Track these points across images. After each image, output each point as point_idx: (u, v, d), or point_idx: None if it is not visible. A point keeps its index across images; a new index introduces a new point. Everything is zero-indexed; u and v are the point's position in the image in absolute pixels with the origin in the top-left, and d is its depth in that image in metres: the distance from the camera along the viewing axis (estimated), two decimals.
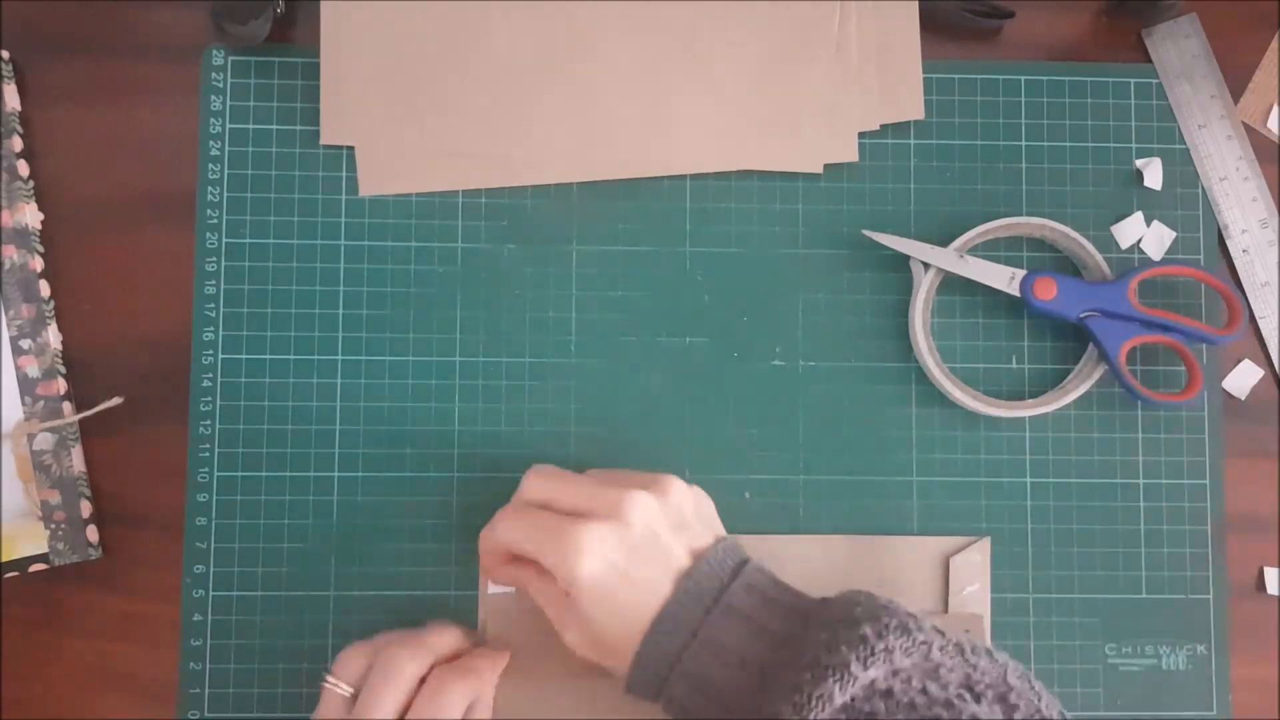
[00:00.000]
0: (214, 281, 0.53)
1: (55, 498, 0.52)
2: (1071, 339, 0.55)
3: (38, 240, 0.53)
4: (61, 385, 0.52)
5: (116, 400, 0.53)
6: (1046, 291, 0.52)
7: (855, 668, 0.40)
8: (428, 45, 0.54)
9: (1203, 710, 0.54)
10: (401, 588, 0.53)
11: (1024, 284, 0.53)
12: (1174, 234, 0.55)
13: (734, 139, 0.54)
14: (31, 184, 0.53)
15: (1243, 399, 0.55)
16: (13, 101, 0.53)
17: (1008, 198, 0.55)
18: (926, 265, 0.54)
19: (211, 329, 0.53)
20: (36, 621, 0.52)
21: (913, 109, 0.55)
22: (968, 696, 0.41)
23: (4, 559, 0.51)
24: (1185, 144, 0.56)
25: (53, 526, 0.52)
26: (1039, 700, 0.42)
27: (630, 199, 0.55)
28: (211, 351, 0.53)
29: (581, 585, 0.44)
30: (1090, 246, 0.54)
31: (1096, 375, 0.54)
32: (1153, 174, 0.55)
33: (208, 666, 0.52)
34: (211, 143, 0.54)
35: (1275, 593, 0.55)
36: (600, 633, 0.45)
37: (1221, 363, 0.55)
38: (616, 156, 0.54)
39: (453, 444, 0.53)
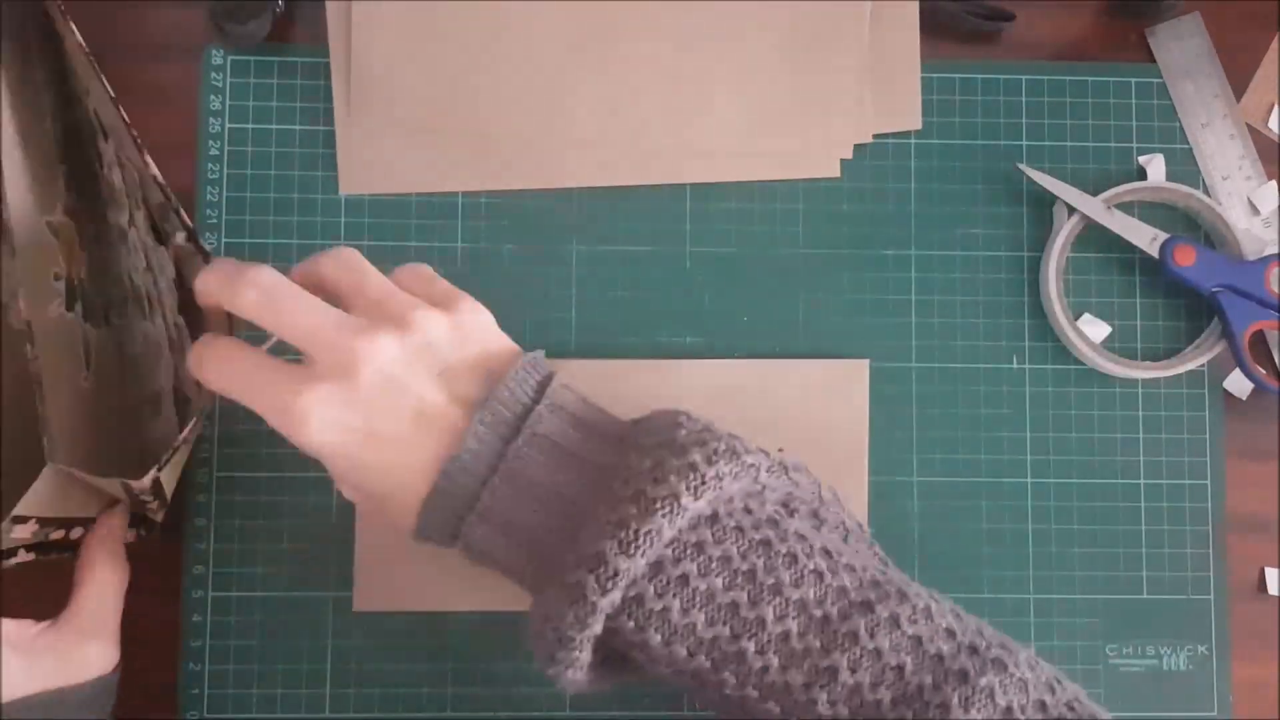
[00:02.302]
0: None
1: None
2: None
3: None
4: None
5: None
6: (1185, 258, 0.53)
7: (686, 499, 0.36)
8: (439, 54, 0.54)
9: (1203, 711, 0.54)
10: None
11: (1164, 246, 0.53)
12: None
13: (739, 148, 0.54)
14: None
15: (1244, 399, 0.55)
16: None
17: (1009, 198, 0.55)
18: (1071, 210, 0.54)
19: None
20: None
21: (910, 119, 0.55)
22: (782, 513, 0.39)
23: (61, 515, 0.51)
24: (1187, 143, 0.56)
25: None
26: (843, 513, 0.41)
27: (630, 199, 0.54)
28: None
29: (321, 457, 0.38)
30: (1233, 223, 0.54)
31: (1215, 351, 0.54)
32: (1156, 170, 0.55)
33: (207, 667, 0.52)
34: (211, 142, 0.54)
35: (1276, 593, 0.55)
36: (371, 493, 0.39)
37: (1223, 363, 0.55)
38: (623, 165, 0.54)
39: None
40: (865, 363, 0.53)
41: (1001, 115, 0.55)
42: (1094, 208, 0.54)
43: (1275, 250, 0.54)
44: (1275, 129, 0.56)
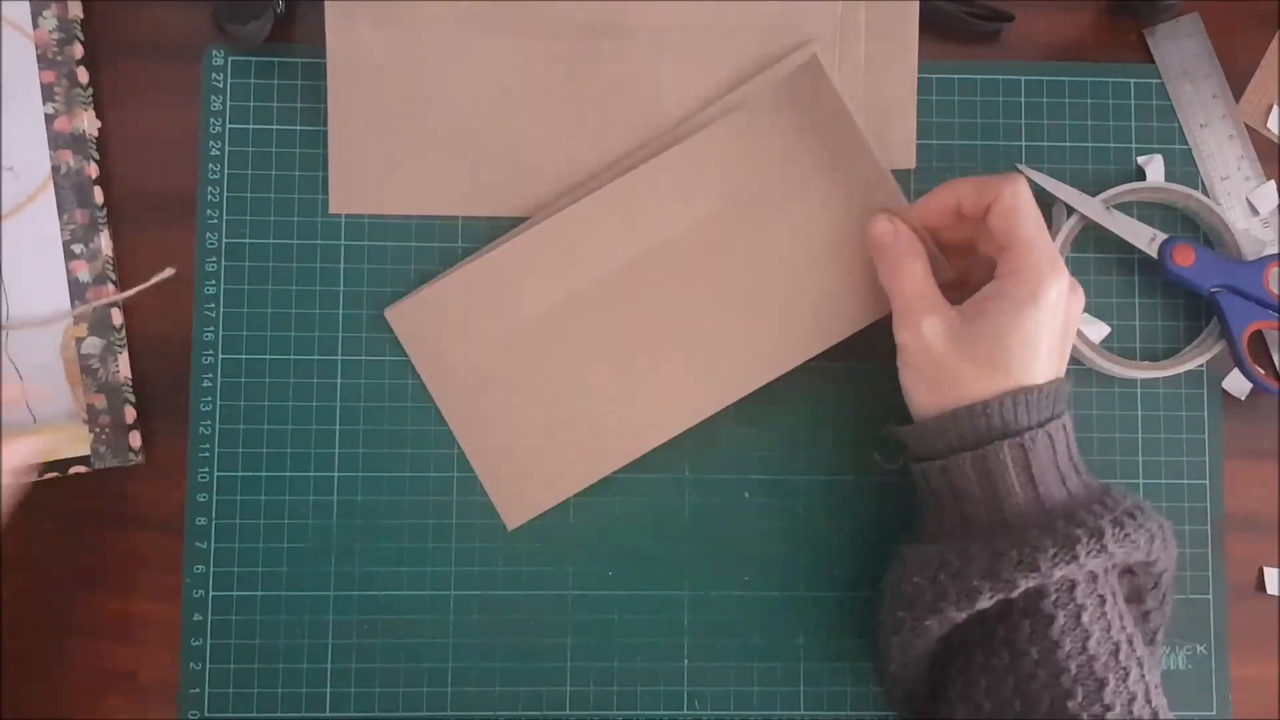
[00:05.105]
0: (214, 281, 0.53)
1: (101, 402, 0.52)
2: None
3: (94, 147, 0.53)
4: (111, 290, 0.53)
5: (169, 271, 0.53)
6: (1184, 258, 0.53)
7: (1144, 536, 0.44)
8: (431, 85, 0.54)
9: (1203, 710, 0.54)
10: (401, 588, 0.53)
11: (1163, 247, 0.53)
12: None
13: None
14: (90, 91, 0.53)
15: (1242, 399, 0.55)
16: (75, 10, 0.53)
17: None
18: (1070, 211, 0.54)
19: (211, 329, 0.53)
20: (36, 622, 0.52)
21: (904, 158, 0.55)
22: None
23: (46, 459, 0.52)
24: (1186, 144, 0.56)
25: (97, 430, 0.52)
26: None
27: None
28: (211, 351, 0.53)
29: (1046, 302, 0.45)
30: (1232, 223, 0.54)
31: (1214, 351, 0.54)
32: (1155, 171, 0.55)
33: (207, 666, 0.52)
34: (212, 143, 0.54)
35: (1275, 593, 0.55)
36: (968, 353, 0.45)
37: (1221, 363, 0.55)
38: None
39: (453, 444, 0.53)
40: None
41: (1000, 116, 0.55)
42: (1093, 208, 0.54)
43: (1274, 250, 0.54)
44: (1274, 129, 0.56)
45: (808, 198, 0.51)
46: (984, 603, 0.44)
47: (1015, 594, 0.43)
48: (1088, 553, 0.43)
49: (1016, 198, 0.46)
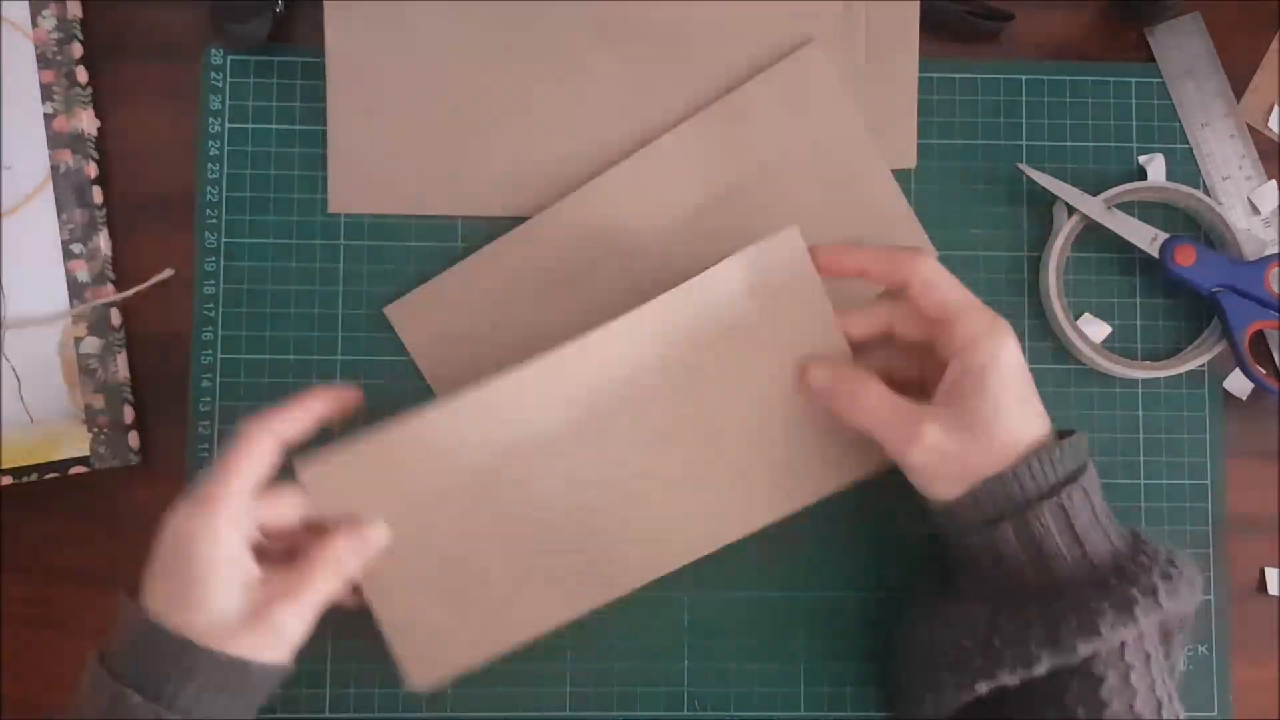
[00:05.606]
0: (214, 281, 0.53)
1: (99, 402, 0.52)
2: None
3: (93, 146, 0.53)
4: (110, 290, 0.53)
5: (169, 272, 0.53)
6: (1186, 258, 0.53)
7: (1164, 599, 0.43)
8: (431, 88, 0.54)
9: (1204, 711, 0.54)
10: None
11: (1164, 246, 0.53)
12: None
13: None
14: (90, 91, 0.53)
15: (1244, 399, 0.55)
16: (75, 10, 0.53)
17: (1009, 198, 0.55)
18: (1071, 211, 0.54)
19: (211, 329, 0.53)
20: (36, 621, 0.53)
21: (905, 158, 0.55)
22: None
23: (45, 460, 0.52)
24: (1188, 143, 0.56)
25: (95, 430, 0.52)
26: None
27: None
28: (211, 351, 0.53)
29: (1005, 360, 0.44)
30: (1233, 222, 0.54)
31: (1215, 351, 0.54)
32: (1156, 170, 0.55)
33: None
34: (211, 143, 0.54)
35: (1276, 593, 0.55)
36: (971, 436, 0.44)
37: (1222, 363, 0.55)
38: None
39: None
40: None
41: (1001, 115, 0.55)
42: (1094, 208, 0.54)
43: (1275, 250, 0.54)
44: (1275, 129, 0.56)
45: (760, 367, 0.48)
46: (1040, 669, 0.43)
47: (1075, 660, 0.43)
48: (1145, 612, 0.42)
49: (930, 270, 0.46)
